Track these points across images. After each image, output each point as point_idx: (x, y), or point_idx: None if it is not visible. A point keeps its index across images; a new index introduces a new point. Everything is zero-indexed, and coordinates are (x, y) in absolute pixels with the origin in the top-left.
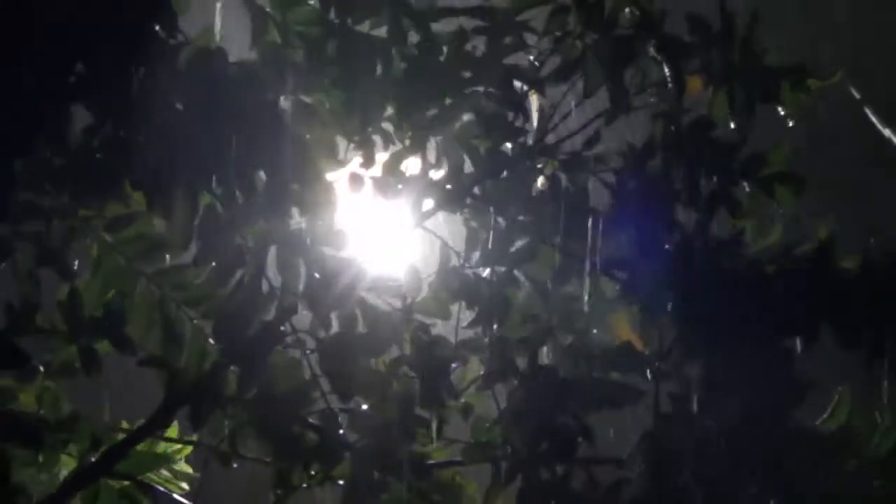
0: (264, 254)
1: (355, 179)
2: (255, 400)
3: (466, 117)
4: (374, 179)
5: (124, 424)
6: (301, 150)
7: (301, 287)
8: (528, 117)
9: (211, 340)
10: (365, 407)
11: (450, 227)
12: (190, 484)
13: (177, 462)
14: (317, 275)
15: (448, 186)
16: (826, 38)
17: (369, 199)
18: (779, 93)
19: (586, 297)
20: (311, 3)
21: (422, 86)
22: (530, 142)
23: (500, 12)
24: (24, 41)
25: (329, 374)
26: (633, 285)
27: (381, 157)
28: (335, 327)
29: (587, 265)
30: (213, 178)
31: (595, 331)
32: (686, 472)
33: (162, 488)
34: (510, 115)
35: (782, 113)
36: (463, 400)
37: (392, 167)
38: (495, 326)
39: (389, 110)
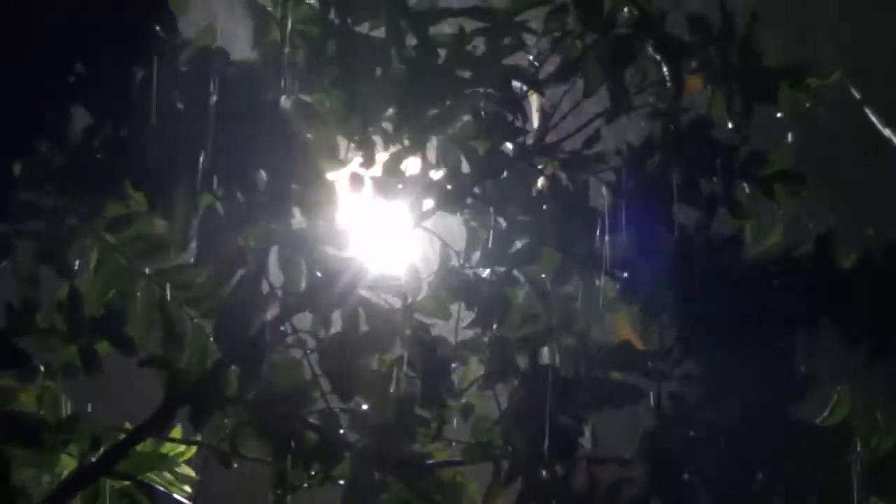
0: (266, 253)
1: (355, 179)
2: (256, 400)
3: (465, 118)
4: (374, 179)
5: (128, 426)
6: (302, 149)
7: (303, 286)
8: (527, 118)
9: (212, 340)
10: (365, 407)
11: (450, 227)
12: (190, 484)
13: (179, 465)
14: (319, 274)
15: (448, 187)
16: (826, 39)
17: (369, 199)
18: (777, 94)
19: (586, 297)
20: (312, 2)
21: (421, 86)
22: (530, 142)
23: (499, 13)
24: (24, 41)
25: (329, 374)
26: (633, 285)
27: (382, 157)
28: (338, 326)
29: (587, 265)
30: (214, 178)
31: (595, 330)
32: (689, 468)
33: (162, 488)
34: (510, 116)
35: (780, 115)
36: (464, 400)
37: (392, 167)
38: (495, 326)
39: (390, 110)
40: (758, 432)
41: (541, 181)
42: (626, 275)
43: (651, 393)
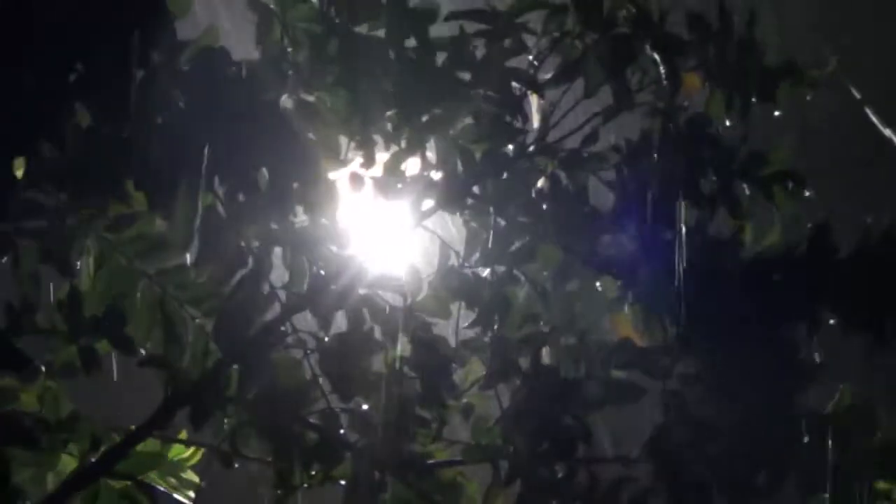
0: (267, 253)
1: (356, 179)
2: (256, 400)
3: (462, 121)
4: (375, 179)
5: (132, 427)
6: (303, 149)
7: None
8: (527, 119)
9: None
10: (365, 407)
11: (450, 226)
12: (193, 488)
13: (184, 470)
14: (322, 272)
15: (448, 188)
16: (825, 39)
17: (369, 199)
18: (775, 92)
19: (587, 296)
20: (313, 1)
21: (421, 87)
22: (529, 142)
23: (500, 15)
24: (24, 41)
25: (330, 374)
26: (634, 283)
27: (382, 156)
28: (342, 325)
29: (587, 264)
30: (215, 177)
31: (596, 329)
32: (697, 464)
33: (163, 488)
34: (510, 118)
35: (777, 114)
36: (465, 400)
37: (392, 167)
38: (496, 326)
39: (390, 111)
40: (764, 425)
41: (541, 181)
42: (626, 274)
43: (655, 391)
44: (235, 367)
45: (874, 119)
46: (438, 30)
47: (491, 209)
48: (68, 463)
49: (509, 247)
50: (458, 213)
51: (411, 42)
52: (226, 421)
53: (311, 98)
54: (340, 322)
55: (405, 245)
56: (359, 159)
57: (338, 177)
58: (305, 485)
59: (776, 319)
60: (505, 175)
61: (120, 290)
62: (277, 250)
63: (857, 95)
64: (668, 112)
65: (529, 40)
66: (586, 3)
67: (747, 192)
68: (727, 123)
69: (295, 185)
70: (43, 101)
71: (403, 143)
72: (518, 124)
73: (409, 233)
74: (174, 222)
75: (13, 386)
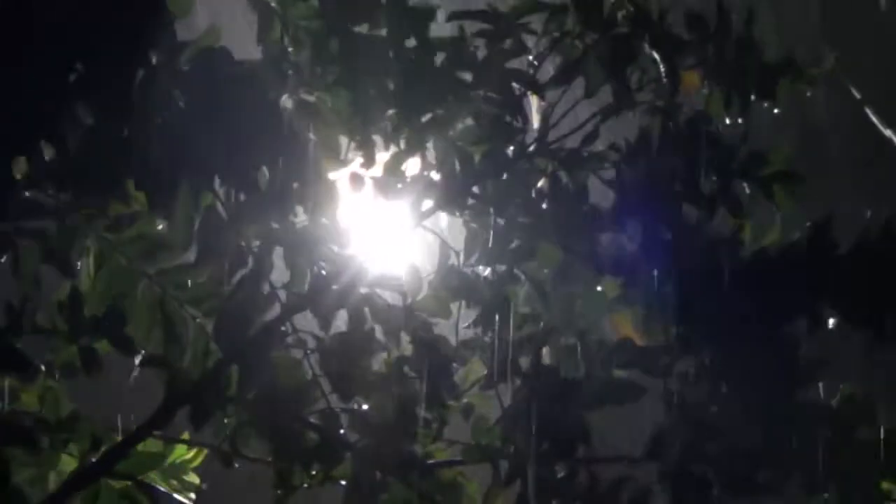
0: (268, 253)
1: (356, 179)
2: (256, 400)
3: (462, 122)
4: (375, 179)
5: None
6: (304, 149)
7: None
8: (527, 120)
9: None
10: (366, 407)
11: (450, 225)
12: (194, 490)
13: (187, 472)
14: (323, 272)
15: (446, 189)
16: (825, 39)
17: (370, 199)
18: (775, 90)
19: (587, 296)
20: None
21: (421, 87)
22: (529, 141)
23: (501, 16)
24: (24, 41)
25: (330, 373)
26: (634, 282)
27: (382, 157)
28: (343, 325)
29: (588, 263)
30: (216, 177)
31: (596, 329)
32: (700, 461)
33: (163, 488)
34: (511, 118)
35: (778, 113)
36: (465, 400)
37: (392, 167)
38: (497, 326)
39: (390, 111)
40: (766, 422)
41: (541, 181)
42: (626, 273)
43: (658, 389)
44: (236, 367)
45: (874, 119)
46: (440, 30)
47: (491, 209)
48: (69, 463)
49: (509, 246)
50: (457, 214)
51: (411, 42)
52: (226, 421)
53: (311, 98)
54: (341, 322)
55: (405, 245)
56: (359, 159)
57: (338, 177)
58: (305, 485)
59: (777, 317)
60: (505, 175)
61: (120, 290)
62: (278, 250)
63: (858, 95)
64: (668, 111)
65: (529, 41)
66: (586, 3)
67: (747, 191)
68: (727, 121)
69: (295, 185)
70: (43, 101)
71: (403, 144)
72: (518, 125)
73: (409, 233)
74: (174, 222)
75: (13, 386)
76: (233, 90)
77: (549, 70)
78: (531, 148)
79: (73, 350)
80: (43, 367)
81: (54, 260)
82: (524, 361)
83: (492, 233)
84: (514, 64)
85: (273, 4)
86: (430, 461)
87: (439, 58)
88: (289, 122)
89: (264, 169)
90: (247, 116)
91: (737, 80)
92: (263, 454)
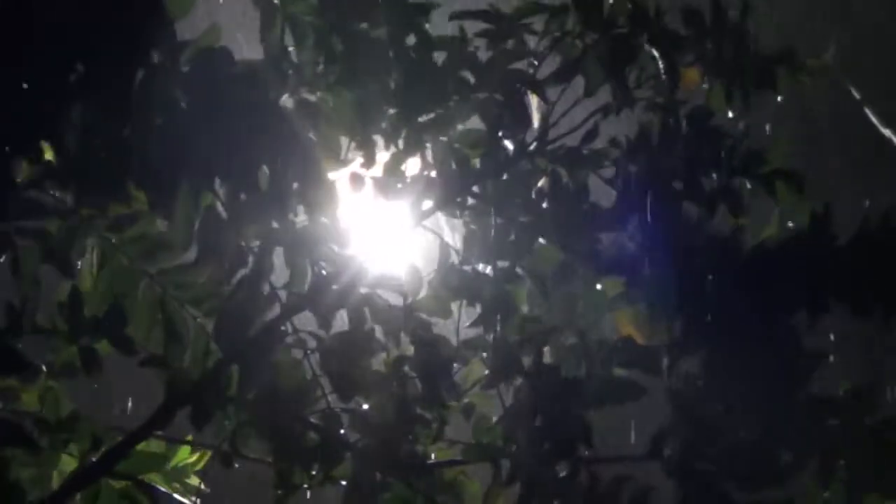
0: (268, 253)
1: (356, 179)
2: (256, 400)
3: (462, 123)
4: (375, 179)
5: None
6: (305, 149)
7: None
8: (530, 121)
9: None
10: (366, 407)
11: (450, 225)
12: (194, 492)
13: (189, 475)
14: (323, 272)
15: (444, 191)
16: (825, 38)
17: (370, 199)
18: (774, 79)
19: (587, 295)
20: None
21: (422, 87)
22: (529, 140)
23: (504, 17)
24: (24, 41)
25: (330, 373)
26: (635, 280)
27: (382, 157)
28: (343, 325)
29: (588, 262)
30: (216, 177)
31: (596, 329)
32: (705, 458)
33: (163, 489)
34: (513, 119)
35: (777, 115)
36: (465, 400)
37: (392, 167)
38: (498, 326)
39: (391, 111)
40: (771, 415)
41: (541, 181)
42: (627, 271)
43: (661, 388)
44: (236, 367)
45: (874, 119)
46: (442, 31)
47: (491, 210)
48: (69, 463)
49: (509, 243)
50: (457, 214)
51: (411, 40)
52: (226, 421)
53: (312, 98)
54: (341, 322)
55: (405, 245)
56: (359, 159)
57: (338, 177)
58: (306, 485)
59: (780, 309)
60: (504, 175)
61: (121, 290)
62: (278, 250)
63: (857, 95)
64: (668, 107)
65: (531, 41)
66: (586, 3)
67: (748, 186)
68: (729, 115)
69: (295, 185)
70: (43, 101)
71: (402, 144)
72: (520, 125)
73: (409, 233)
74: (174, 222)
75: (14, 386)
76: (233, 90)
77: (549, 70)
78: (531, 147)
79: (73, 350)
80: (44, 368)
81: (54, 260)
82: (526, 360)
83: (492, 230)
84: (515, 64)
85: (276, 1)
86: (431, 461)
87: (439, 57)
88: (289, 122)
89: (264, 169)
90: (247, 116)
91: (736, 73)
92: (263, 454)
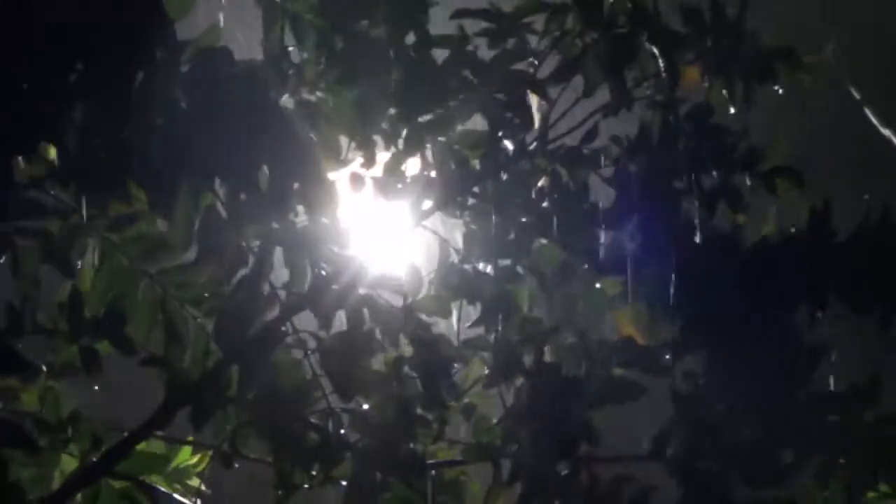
0: (268, 253)
1: (356, 179)
2: (257, 400)
3: (462, 123)
4: (375, 179)
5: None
6: (305, 149)
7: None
8: (533, 121)
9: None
10: (366, 407)
11: (449, 224)
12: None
13: (191, 477)
14: (323, 272)
15: (444, 191)
16: (825, 38)
17: (370, 199)
18: (774, 72)
19: (587, 294)
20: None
21: (422, 87)
22: (529, 140)
23: (505, 15)
24: (24, 41)
25: (330, 373)
26: (636, 279)
27: (382, 157)
28: (342, 326)
29: (589, 261)
30: (216, 177)
31: (597, 328)
32: (708, 457)
33: (163, 488)
34: (515, 119)
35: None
36: (465, 400)
37: (392, 167)
38: (499, 326)
39: (391, 110)
40: (773, 411)
41: (542, 181)
42: (629, 269)
43: (663, 387)
44: (236, 367)
45: (874, 119)
46: (443, 30)
47: (491, 209)
48: (70, 463)
49: (509, 242)
50: (457, 214)
51: (411, 40)
52: (226, 421)
53: (312, 98)
54: (341, 322)
55: (405, 245)
56: (359, 159)
57: (338, 177)
58: (306, 485)
59: (780, 306)
60: (504, 175)
61: (121, 290)
62: (278, 250)
63: (857, 95)
64: (668, 105)
65: (532, 40)
66: (587, 2)
67: (748, 182)
68: (731, 111)
69: (295, 185)
70: (43, 101)
71: (402, 144)
72: (522, 124)
73: (409, 232)
74: (174, 222)
75: (14, 386)
76: (233, 90)
77: (549, 69)
78: (531, 147)
79: (73, 350)
80: (44, 368)
81: (54, 260)
82: (526, 360)
83: (493, 229)
84: (516, 63)
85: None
86: (432, 461)
87: (440, 56)
88: (289, 122)
89: (264, 169)
90: (247, 116)
91: (736, 67)
92: (263, 454)
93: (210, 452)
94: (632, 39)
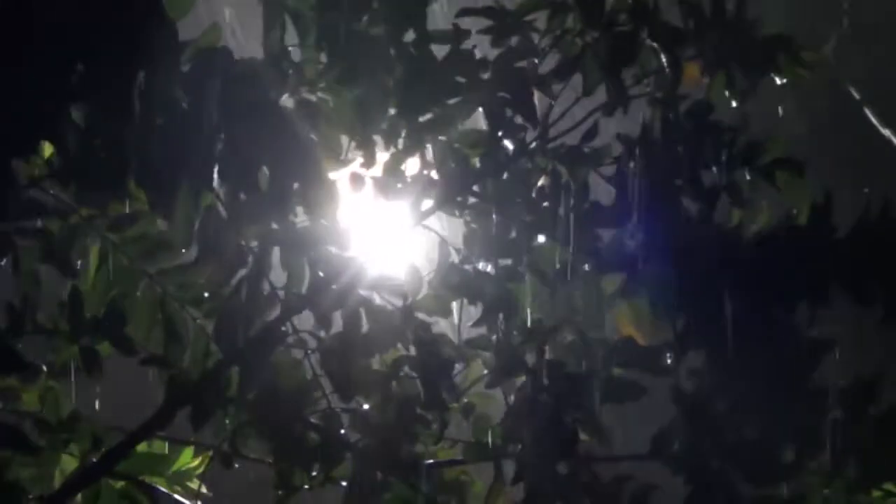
0: (267, 253)
1: (356, 179)
2: (257, 400)
3: (461, 123)
4: (375, 179)
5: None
6: (305, 149)
7: (304, 286)
8: (537, 118)
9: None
10: (366, 407)
11: (449, 224)
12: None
13: (191, 479)
14: (321, 273)
15: (445, 191)
16: (824, 38)
17: (370, 199)
18: (775, 63)
19: (588, 293)
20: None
21: (422, 86)
22: (529, 139)
23: (509, 14)
24: (24, 41)
25: (330, 373)
26: (637, 277)
27: (382, 156)
28: (338, 326)
29: (589, 260)
30: (216, 177)
31: (597, 327)
32: (713, 456)
33: (164, 488)
34: (517, 117)
35: (779, 101)
36: (465, 400)
37: (392, 167)
38: (500, 324)
39: (391, 110)
40: (778, 408)
41: (542, 180)
42: (630, 268)
43: (661, 387)
44: (236, 367)
45: (874, 119)
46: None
47: (491, 209)
48: (71, 463)
49: (510, 241)
50: (457, 214)
51: (410, 38)
52: (226, 421)
53: (312, 97)
54: (341, 321)
55: (405, 245)
56: (359, 159)
57: (338, 177)
58: (306, 486)
59: (781, 302)
60: (505, 174)
61: (121, 290)
62: (277, 250)
63: (857, 95)
64: (669, 102)
65: (533, 39)
66: (587, 1)
67: (748, 177)
68: (733, 104)
69: (295, 185)
70: (43, 101)
71: (402, 144)
72: (524, 123)
73: (409, 232)
74: (174, 222)
75: (14, 386)
76: (233, 90)
77: (548, 68)
78: (531, 146)
79: (73, 350)
80: (44, 368)
81: (54, 260)
82: (528, 359)
83: (494, 228)
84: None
85: None
86: (432, 461)
87: (440, 54)
88: (289, 122)
89: (264, 169)
90: (247, 116)
91: (739, 60)
92: (263, 454)
93: (210, 453)
94: (632, 38)
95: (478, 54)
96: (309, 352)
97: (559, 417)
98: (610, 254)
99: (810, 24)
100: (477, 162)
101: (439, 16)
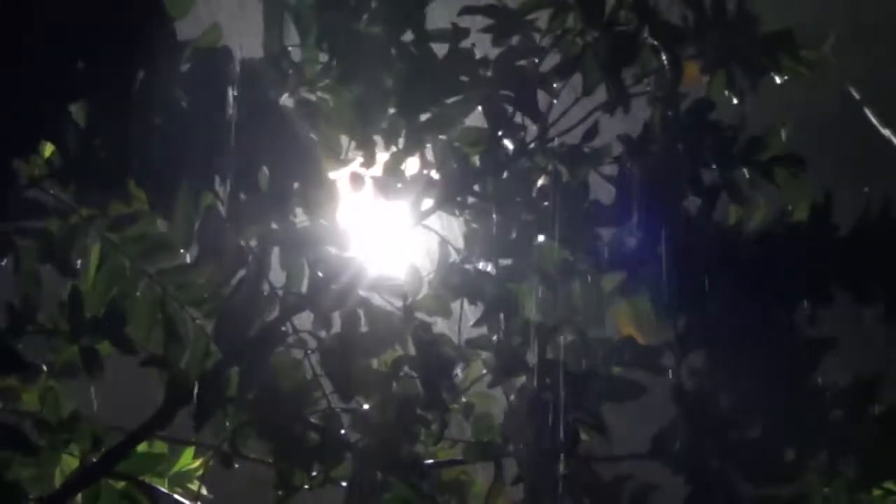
0: (267, 253)
1: (356, 179)
2: (257, 400)
3: (461, 122)
4: (375, 179)
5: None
6: (305, 148)
7: (304, 287)
8: (540, 117)
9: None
10: (366, 407)
11: (449, 224)
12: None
13: (192, 480)
14: (320, 273)
15: (445, 190)
16: (825, 38)
17: (370, 199)
18: (776, 59)
19: (587, 292)
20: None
21: (422, 86)
22: (530, 139)
23: (510, 12)
24: (24, 41)
25: (330, 374)
26: (638, 277)
27: (382, 156)
28: (338, 326)
29: (589, 260)
30: (216, 177)
31: (597, 327)
32: (713, 455)
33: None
34: (519, 116)
35: (774, 113)
36: (464, 400)
37: (392, 167)
38: (501, 324)
39: (391, 110)
40: (780, 407)
41: (542, 179)
42: (631, 267)
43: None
44: (236, 367)
45: (874, 119)
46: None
47: (492, 208)
48: (71, 463)
49: (511, 241)
50: (457, 214)
51: (409, 37)
52: (226, 421)
53: (312, 97)
54: (340, 321)
55: (405, 245)
56: (359, 159)
57: (338, 177)
58: (306, 486)
59: (782, 301)
60: (505, 174)
61: (121, 290)
62: (277, 250)
63: (857, 95)
64: (669, 101)
65: (535, 37)
66: (588, 0)
67: (747, 175)
68: (734, 101)
69: (295, 185)
70: (43, 101)
71: (401, 143)
72: (525, 122)
73: (409, 232)
74: (174, 222)
75: (14, 386)
76: (234, 89)
77: (548, 68)
78: (531, 145)
79: (73, 350)
80: (45, 368)
81: (54, 260)
82: (528, 359)
83: (494, 228)
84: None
85: None
86: (432, 461)
87: (440, 52)
88: (289, 122)
89: (264, 169)
90: (247, 116)
91: (740, 58)
92: (263, 454)
93: (210, 453)
94: (633, 37)
95: (477, 53)
96: (309, 352)
97: (559, 417)
98: (610, 253)
99: (810, 23)
100: (477, 161)
101: (438, 12)
